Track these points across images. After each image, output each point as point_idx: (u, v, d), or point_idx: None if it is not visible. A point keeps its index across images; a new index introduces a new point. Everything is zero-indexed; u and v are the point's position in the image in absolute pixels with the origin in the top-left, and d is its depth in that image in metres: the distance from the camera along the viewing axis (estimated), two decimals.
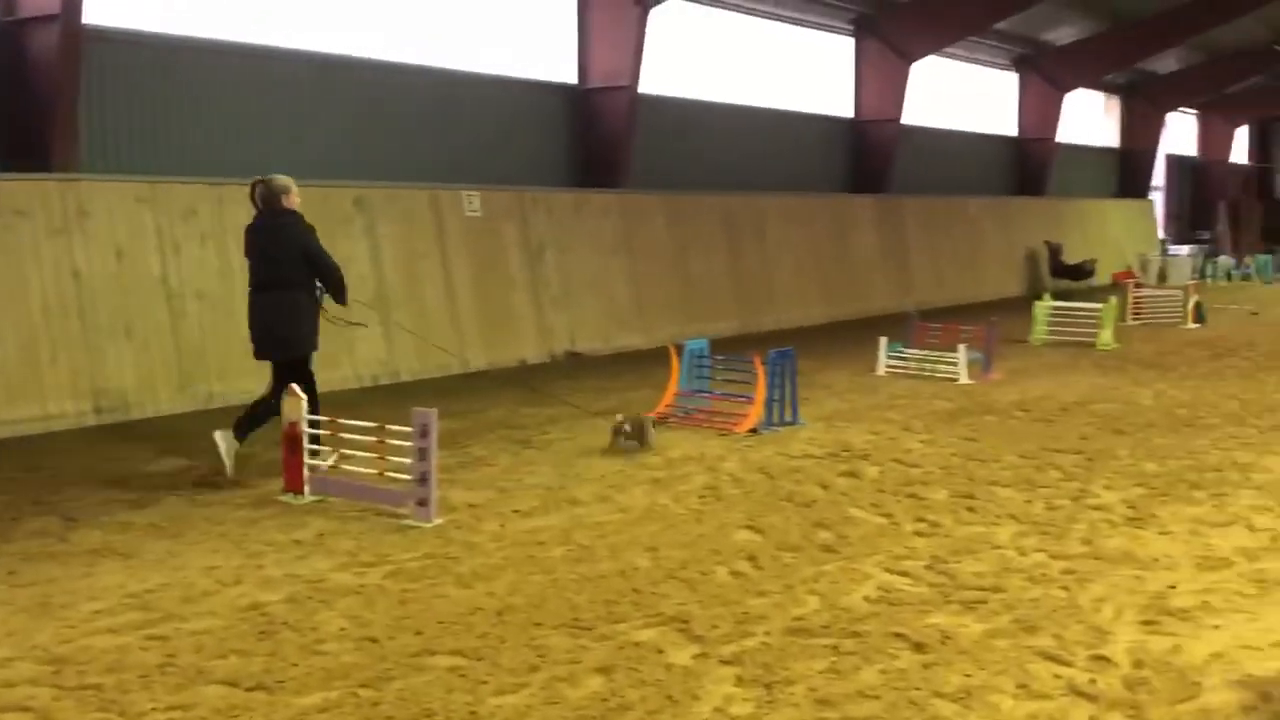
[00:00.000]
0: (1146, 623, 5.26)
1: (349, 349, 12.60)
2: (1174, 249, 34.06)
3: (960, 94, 26.82)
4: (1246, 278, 31.03)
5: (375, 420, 7.52)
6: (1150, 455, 8.96)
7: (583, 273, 15.68)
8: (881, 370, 13.45)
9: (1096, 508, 7.38)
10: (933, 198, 24.20)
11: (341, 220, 12.92)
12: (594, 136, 17.28)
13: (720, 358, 11.31)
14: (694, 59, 19.63)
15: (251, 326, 8.36)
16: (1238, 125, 40.52)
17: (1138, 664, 4.79)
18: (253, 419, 8.42)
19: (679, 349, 10.88)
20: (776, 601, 5.61)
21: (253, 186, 8.39)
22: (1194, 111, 38.64)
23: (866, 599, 5.64)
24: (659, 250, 17.01)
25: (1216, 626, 5.20)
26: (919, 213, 23.34)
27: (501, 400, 11.68)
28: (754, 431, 9.88)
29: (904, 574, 6.03)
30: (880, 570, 6.10)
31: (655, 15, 17.07)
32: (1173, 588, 5.75)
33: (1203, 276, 29.45)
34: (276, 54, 13.59)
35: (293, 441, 7.63)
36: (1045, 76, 28.37)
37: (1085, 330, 16.39)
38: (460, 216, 14.30)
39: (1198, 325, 19.03)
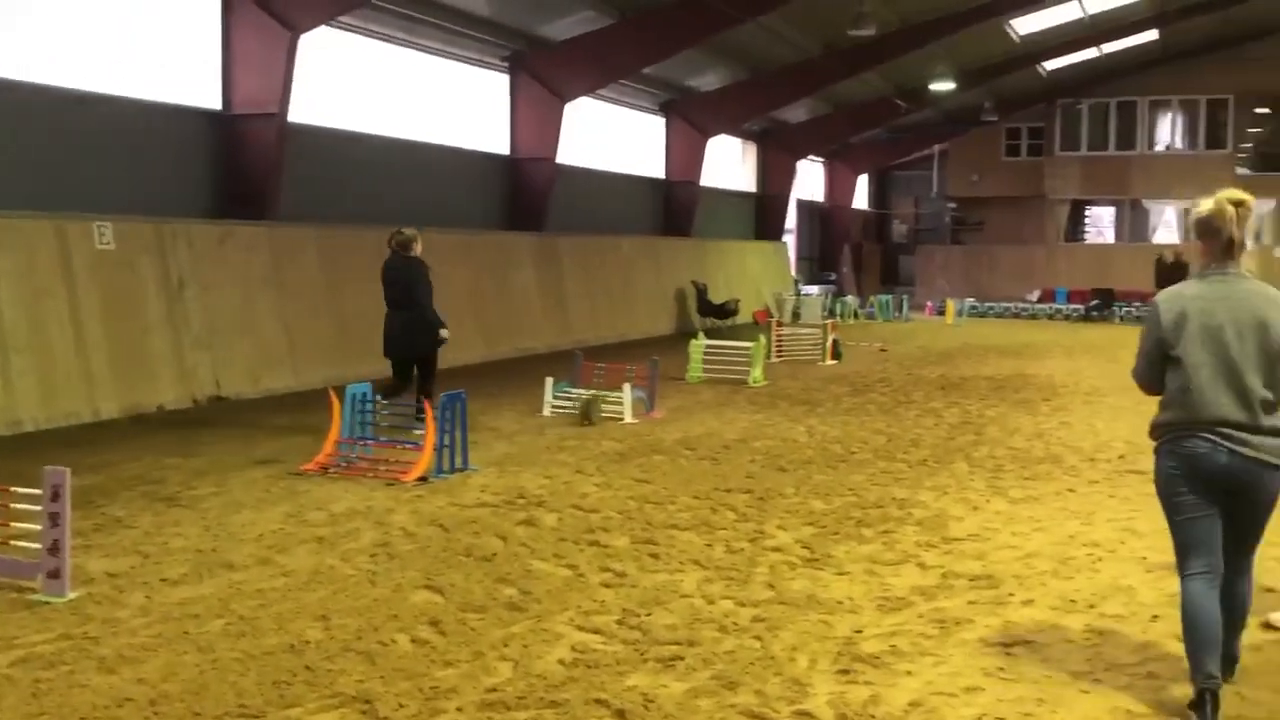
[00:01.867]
0: (842, 671, 5.24)
1: None
2: (806, 289, 36.10)
3: (613, 136, 27.34)
4: (870, 317, 33.26)
5: None
6: (815, 492, 9.18)
7: (228, 310, 14.69)
8: (548, 410, 13.29)
9: (774, 549, 7.43)
10: (588, 236, 24.48)
11: None
12: (240, 166, 16.27)
13: (384, 401, 10.79)
14: (349, 89, 18.95)
15: (384, 334, 11.79)
16: (860, 173, 43.55)
17: (841, 718, 4.73)
18: (396, 390, 11.67)
19: (339, 392, 10.25)
20: (466, 671, 5.23)
21: (391, 235, 11.86)
22: (822, 160, 41.21)
23: (561, 662, 5.35)
24: (311, 286, 16.20)
25: (909, 672, 5.23)
26: (575, 251, 23.52)
27: (140, 451, 10.67)
28: (423, 480, 9.42)
29: (596, 631, 5.79)
30: (572, 628, 5.83)
31: (305, 42, 16.30)
32: (859, 632, 5.79)
33: (832, 315, 31.24)
34: None
35: None
36: (690, 122, 29.40)
37: (737, 368, 16.89)
38: (90, 250, 13.02)
39: (835, 362, 20.05)
